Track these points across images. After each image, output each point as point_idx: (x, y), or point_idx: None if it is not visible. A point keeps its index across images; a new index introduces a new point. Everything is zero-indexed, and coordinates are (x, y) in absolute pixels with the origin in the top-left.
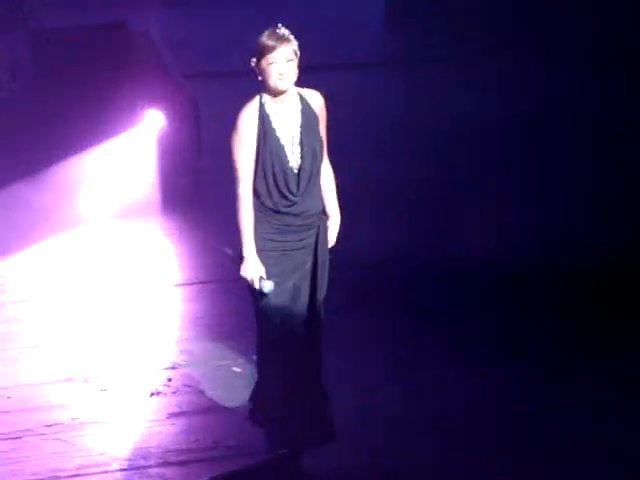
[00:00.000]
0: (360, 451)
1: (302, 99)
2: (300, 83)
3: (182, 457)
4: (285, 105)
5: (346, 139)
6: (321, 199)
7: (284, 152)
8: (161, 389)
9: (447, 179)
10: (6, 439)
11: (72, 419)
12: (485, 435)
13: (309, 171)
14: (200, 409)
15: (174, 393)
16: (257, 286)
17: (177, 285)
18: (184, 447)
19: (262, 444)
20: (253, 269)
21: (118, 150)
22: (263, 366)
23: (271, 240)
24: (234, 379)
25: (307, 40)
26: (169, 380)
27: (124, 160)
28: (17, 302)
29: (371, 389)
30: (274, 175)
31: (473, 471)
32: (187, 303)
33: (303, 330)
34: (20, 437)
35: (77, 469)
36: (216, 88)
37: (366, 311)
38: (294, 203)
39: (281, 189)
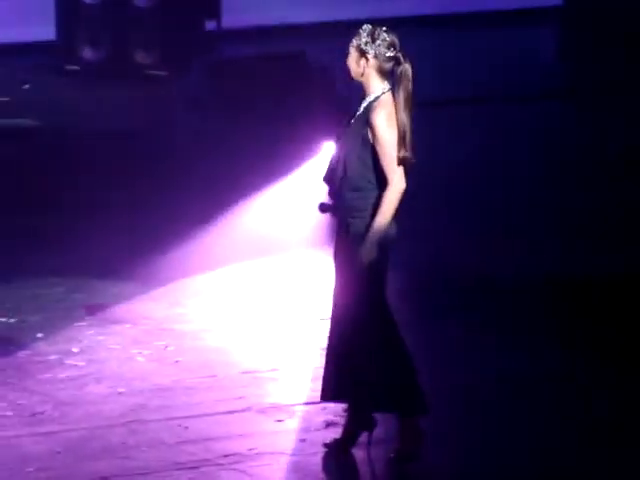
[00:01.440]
0: None
1: (370, 104)
2: (466, 112)
3: None
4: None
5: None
6: (353, 200)
7: (341, 140)
8: (336, 420)
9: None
10: (184, 468)
11: (249, 449)
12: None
13: (336, 166)
14: (377, 440)
15: None
16: None
17: None
18: None
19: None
20: None
21: (296, 182)
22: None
23: None
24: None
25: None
26: (344, 411)
27: (303, 191)
28: (196, 331)
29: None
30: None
31: None
32: None
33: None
34: (198, 467)
35: None
36: None
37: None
38: (330, 192)
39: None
